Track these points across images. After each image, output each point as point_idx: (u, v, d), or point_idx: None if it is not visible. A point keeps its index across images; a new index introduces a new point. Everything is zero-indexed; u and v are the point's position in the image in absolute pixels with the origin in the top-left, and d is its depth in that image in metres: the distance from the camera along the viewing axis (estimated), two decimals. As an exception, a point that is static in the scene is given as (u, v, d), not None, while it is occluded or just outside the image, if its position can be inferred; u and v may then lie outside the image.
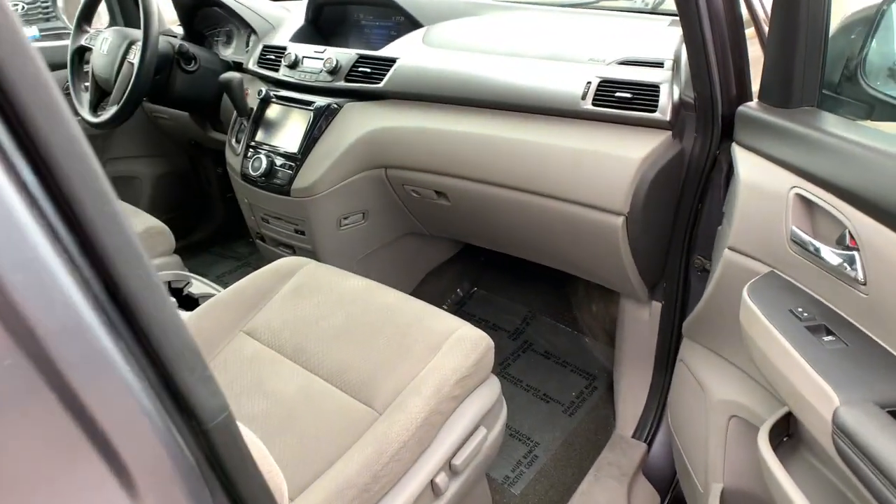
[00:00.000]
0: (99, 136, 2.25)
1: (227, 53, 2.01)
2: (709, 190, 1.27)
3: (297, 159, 1.56)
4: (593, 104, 1.23)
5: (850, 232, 0.75)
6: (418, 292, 2.02)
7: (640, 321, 1.49)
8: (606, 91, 1.22)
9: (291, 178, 1.56)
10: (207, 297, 1.52)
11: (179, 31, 2.14)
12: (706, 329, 1.18)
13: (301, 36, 1.80)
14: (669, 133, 1.19)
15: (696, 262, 1.36)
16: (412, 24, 1.64)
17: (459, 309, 2.10)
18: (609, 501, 1.35)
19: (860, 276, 0.73)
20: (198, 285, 1.63)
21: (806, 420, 0.76)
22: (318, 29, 1.87)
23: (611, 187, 1.19)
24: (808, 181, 0.82)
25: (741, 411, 1.07)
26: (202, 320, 1.22)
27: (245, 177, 1.67)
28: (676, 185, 1.25)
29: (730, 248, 1.00)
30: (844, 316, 0.79)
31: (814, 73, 0.93)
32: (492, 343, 1.12)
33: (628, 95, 1.20)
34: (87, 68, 1.89)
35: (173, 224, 1.80)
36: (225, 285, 1.40)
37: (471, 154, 1.39)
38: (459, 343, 1.09)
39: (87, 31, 1.91)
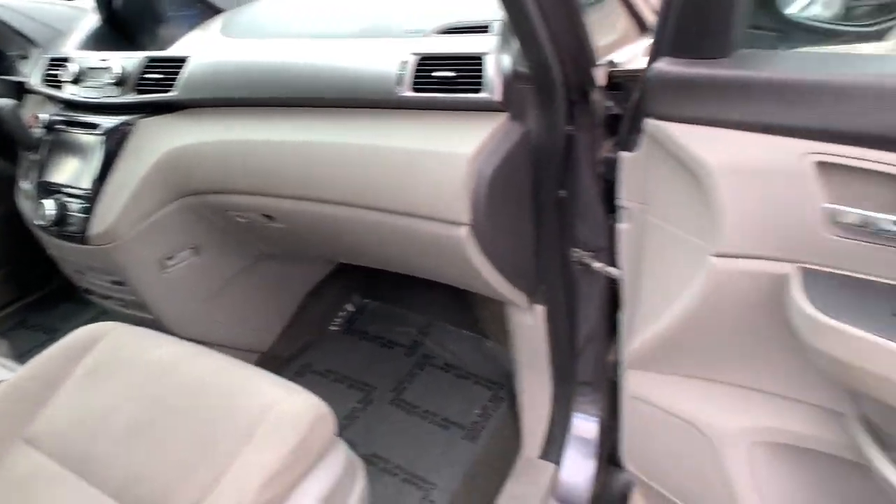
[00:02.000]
0: None
1: (26, 72, 1.68)
2: (575, 174, 1.05)
3: (89, 198, 1.27)
4: (414, 89, 0.98)
5: None
6: (299, 319, 1.76)
7: (527, 327, 1.28)
8: (426, 71, 0.98)
9: (85, 223, 1.27)
10: None
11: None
12: (674, 356, 0.95)
13: (96, 40, 1.49)
14: (506, 115, 0.95)
15: (573, 256, 1.15)
16: (212, 10, 1.35)
17: (350, 327, 1.86)
18: (515, 547, 1.15)
19: None
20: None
21: None
22: (119, 29, 1.55)
23: (442, 193, 0.95)
24: (833, 142, 0.64)
25: (765, 435, 0.88)
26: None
27: (39, 226, 1.37)
28: (528, 176, 1.02)
29: (718, 256, 0.76)
30: None
31: (745, 7, 0.71)
32: (325, 411, 0.89)
33: (451, 74, 0.96)
34: None
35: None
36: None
37: (288, 167, 1.13)
38: (277, 426, 0.85)
39: None
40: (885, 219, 0.61)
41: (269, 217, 1.24)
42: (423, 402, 1.56)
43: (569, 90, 0.96)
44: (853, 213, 0.63)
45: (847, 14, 0.90)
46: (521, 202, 1.05)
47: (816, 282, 0.67)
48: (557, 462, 1.32)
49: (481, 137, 0.93)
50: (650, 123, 0.82)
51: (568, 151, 1.04)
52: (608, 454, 1.41)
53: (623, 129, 0.93)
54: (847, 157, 0.62)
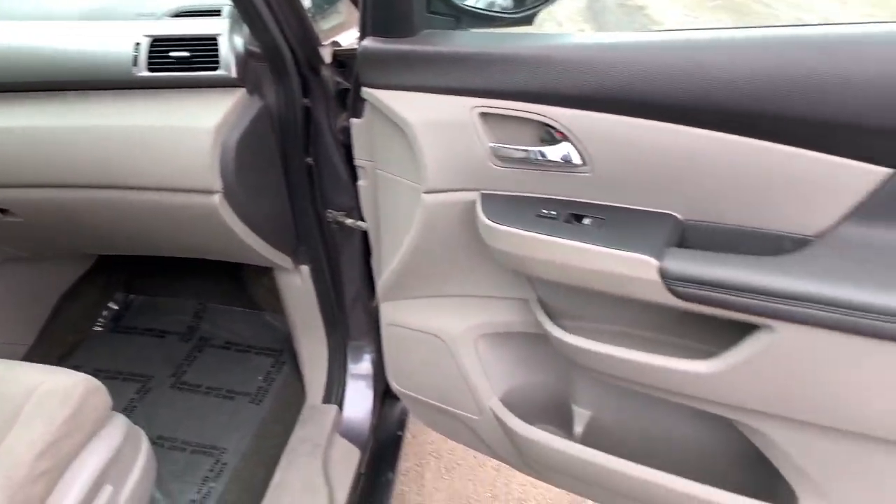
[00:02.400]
0: None
1: None
2: (318, 142, 1.20)
3: None
4: (149, 69, 1.04)
5: (553, 127, 0.82)
6: (53, 325, 1.66)
7: (296, 288, 1.41)
8: (161, 51, 1.04)
9: None
10: None
11: None
12: (411, 283, 1.13)
13: None
14: (244, 90, 1.06)
15: (329, 216, 1.30)
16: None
17: (116, 325, 1.80)
18: (305, 480, 1.28)
19: (578, 159, 0.82)
20: None
21: (630, 291, 0.80)
22: None
23: (191, 165, 1.03)
24: (489, 98, 0.85)
25: (483, 329, 1.10)
26: None
27: None
28: (273, 145, 1.14)
29: (427, 192, 0.95)
30: (577, 199, 0.86)
31: None
32: (96, 385, 0.92)
33: (186, 54, 1.03)
34: None
35: None
36: None
37: (25, 155, 1.10)
38: (44, 403, 0.87)
39: None
40: (525, 150, 0.86)
41: (3, 211, 1.19)
42: (205, 381, 1.60)
43: (300, 67, 1.10)
44: (506, 148, 0.87)
45: (508, 4, 1.18)
46: (271, 169, 1.16)
47: (491, 203, 0.91)
48: (340, 404, 1.48)
49: (223, 111, 1.02)
50: (367, 92, 0.99)
51: (308, 122, 1.18)
52: (385, 389, 1.60)
53: (350, 99, 1.10)
54: (498, 108, 0.86)
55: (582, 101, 0.79)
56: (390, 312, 1.21)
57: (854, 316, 0.66)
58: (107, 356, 1.67)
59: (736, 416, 0.83)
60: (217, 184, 1.04)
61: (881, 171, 0.67)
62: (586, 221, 0.84)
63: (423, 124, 0.92)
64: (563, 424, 1.16)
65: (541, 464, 1.11)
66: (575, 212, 0.86)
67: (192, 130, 1.02)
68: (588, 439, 1.08)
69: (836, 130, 0.67)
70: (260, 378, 1.60)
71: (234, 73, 1.02)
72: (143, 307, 1.85)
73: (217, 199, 1.05)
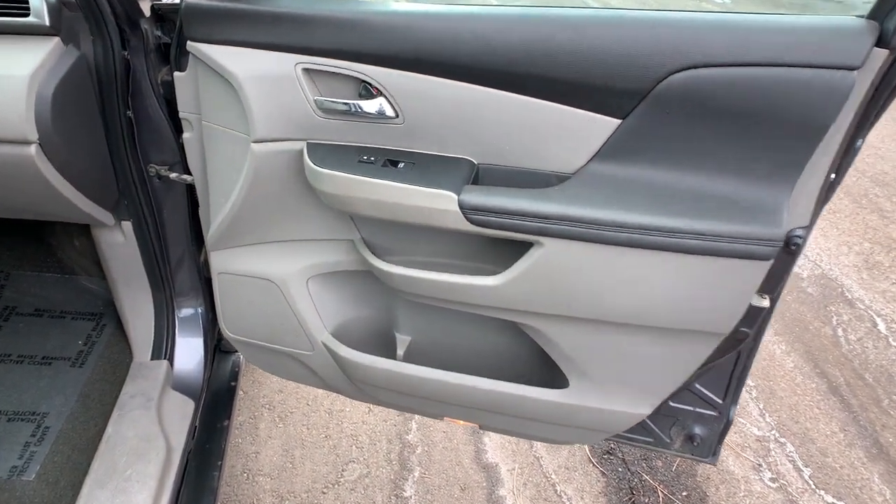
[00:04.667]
0: None
1: None
2: (139, 96, 1.20)
3: None
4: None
5: (370, 84, 0.96)
6: None
7: (118, 245, 1.40)
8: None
9: None
10: None
11: None
12: (242, 230, 1.19)
13: None
14: (57, 39, 1.05)
15: (151, 171, 1.31)
16: None
17: None
18: (139, 433, 1.31)
19: (391, 112, 0.97)
20: None
21: (436, 221, 0.96)
22: None
23: (4, 114, 1.00)
24: (312, 55, 0.97)
25: (313, 270, 1.22)
26: None
27: None
28: (92, 97, 1.14)
29: (256, 142, 1.03)
30: (392, 147, 1.02)
31: None
32: None
33: (-10, -3, 1.00)
34: None
35: None
36: None
37: None
38: None
39: None
40: (346, 103, 0.99)
41: None
42: (15, 350, 1.51)
43: (118, 19, 1.11)
44: (329, 101, 0.99)
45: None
46: (90, 122, 1.16)
47: (317, 150, 1.03)
48: (170, 359, 1.50)
49: (37, 60, 1.01)
50: (192, 46, 1.04)
51: (128, 75, 1.19)
52: (217, 344, 1.65)
53: (173, 52, 1.13)
54: (320, 65, 0.97)
55: (395, 61, 0.94)
56: (221, 261, 1.27)
57: (599, 230, 0.90)
58: None
59: (521, 319, 1.06)
60: (32, 133, 1.03)
61: (613, 122, 0.91)
62: (400, 166, 1.00)
63: (250, 78, 1.00)
64: (388, 352, 1.33)
65: (370, 384, 1.27)
66: (390, 158, 1.01)
67: (5, 78, 0.99)
68: (409, 359, 1.26)
69: (580, 89, 0.89)
70: (80, 342, 1.56)
71: (46, 21, 1.01)
72: (-73, 279, 1.67)
73: (33, 149, 1.04)
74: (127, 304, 1.51)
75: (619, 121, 0.90)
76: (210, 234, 1.23)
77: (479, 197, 0.93)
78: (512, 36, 0.89)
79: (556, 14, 0.89)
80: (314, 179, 1.02)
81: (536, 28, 0.89)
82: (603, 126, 0.91)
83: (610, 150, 0.93)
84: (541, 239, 0.93)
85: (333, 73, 0.98)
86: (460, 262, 1.10)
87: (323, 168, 0.99)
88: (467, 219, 0.93)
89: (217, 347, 1.65)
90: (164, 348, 1.50)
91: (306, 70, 0.98)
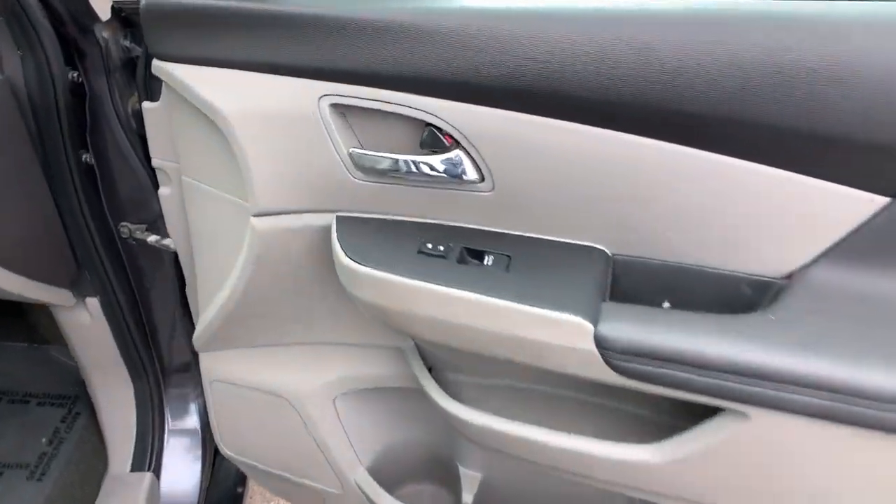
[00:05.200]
0: None
1: None
2: (99, 132, 0.85)
3: None
4: None
5: (439, 128, 0.58)
6: None
7: (84, 326, 1.04)
8: None
9: None
10: None
11: None
12: (241, 329, 0.83)
13: None
14: None
15: (122, 231, 0.96)
16: None
17: None
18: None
19: (474, 173, 0.59)
20: None
21: (556, 364, 0.57)
22: None
23: None
24: (345, 81, 0.59)
25: (342, 386, 0.84)
26: None
27: None
28: (24, 139, 0.78)
29: (258, 215, 0.66)
30: (474, 227, 0.64)
31: None
32: None
33: None
34: None
35: None
36: None
37: None
38: None
39: None
40: (399, 158, 0.60)
41: None
42: (-40, 452, 1.17)
43: (60, 24, 0.75)
44: (370, 156, 0.61)
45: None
46: (22, 174, 0.80)
47: (352, 230, 0.65)
48: (156, 470, 1.14)
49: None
50: (160, 67, 0.68)
51: (83, 104, 0.83)
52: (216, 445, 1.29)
53: (139, 74, 0.77)
54: (359, 97, 0.59)
55: (483, 92, 0.55)
56: (214, 366, 0.90)
57: (839, 401, 0.50)
58: None
59: None
60: (-84, 202, 0.67)
61: (875, 200, 0.51)
62: (488, 261, 0.61)
63: (244, 116, 0.63)
64: (447, 487, 0.94)
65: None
66: (471, 246, 0.63)
67: None
68: None
69: (822, 144, 0.50)
70: (44, 440, 1.20)
71: (-66, 28, 0.65)
72: None
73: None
74: (101, 395, 1.16)
75: (887, 199, 0.50)
76: (198, 332, 0.86)
77: (631, 329, 0.54)
78: (695, 48, 0.50)
79: (787, 11, 0.50)
80: (348, 280, 0.64)
81: (743, 34, 0.49)
82: (853, 205, 0.52)
83: (860, 246, 0.53)
84: (741, 407, 0.53)
85: (379, 110, 0.60)
86: (578, 394, 0.71)
87: (362, 263, 0.61)
88: (611, 366, 0.54)
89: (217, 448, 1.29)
90: (147, 456, 1.14)
91: (336, 106, 0.61)
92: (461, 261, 0.61)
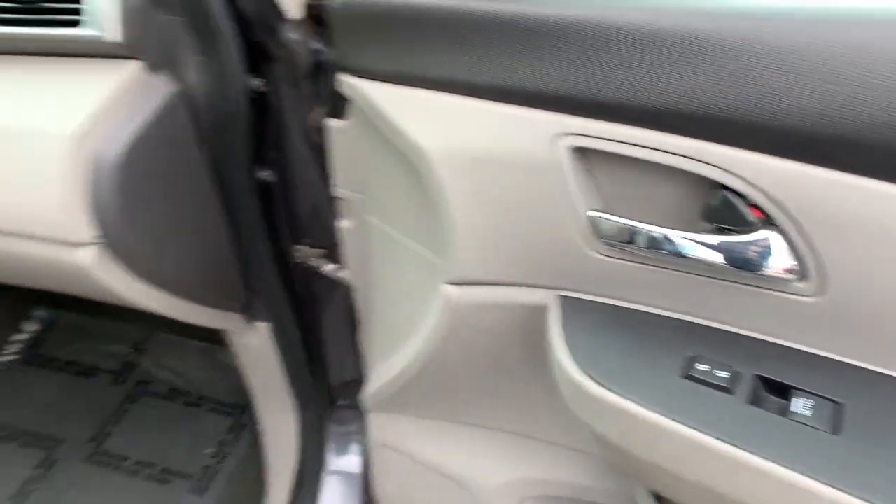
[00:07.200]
0: None
1: None
2: (283, 148, 0.76)
3: None
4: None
5: (739, 194, 0.38)
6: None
7: (253, 349, 0.97)
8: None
9: None
10: None
11: None
12: (422, 396, 0.70)
13: None
14: (138, 64, 0.60)
15: (297, 256, 0.86)
16: None
17: (34, 353, 1.38)
18: None
19: (791, 263, 0.38)
20: None
21: None
22: None
23: (35, 200, 0.58)
24: (595, 116, 0.41)
25: (534, 487, 0.70)
26: None
27: None
28: (200, 155, 0.69)
29: (454, 284, 0.51)
30: (776, 341, 0.42)
31: None
32: None
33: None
34: None
35: None
36: None
37: None
38: None
39: None
40: (671, 232, 0.40)
41: None
42: (133, 451, 1.18)
43: (244, 25, 0.64)
44: (626, 225, 0.42)
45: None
46: (196, 193, 0.71)
47: (579, 318, 0.46)
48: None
49: (94, 103, 0.57)
50: (347, 83, 0.54)
51: (265, 116, 0.73)
52: None
53: (324, 86, 0.64)
54: (616, 138, 0.40)
55: (819, 144, 0.34)
56: (383, 429, 0.77)
57: None
58: (9, 404, 1.25)
59: None
60: (86, 231, 0.59)
61: None
62: (800, 406, 0.39)
63: (450, 154, 0.46)
64: None
65: None
66: (771, 375, 0.41)
67: (35, 138, 0.56)
68: None
69: None
70: (209, 451, 1.18)
71: (114, 35, 0.57)
72: (73, 329, 1.42)
73: (90, 254, 0.61)
74: (266, 418, 1.10)
75: None
76: (371, 391, 0.73)
77: None
78: None
79: None
80: (573, 397, 0.45)
81: None
82: None
83: None
84: None
85: (644, 160, 0.40)
86: None
87: (598, 381, 0.42)
88: None
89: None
90: (307, 490, 1.06)
91: (580, 150, 0.42)
92: (755, 401, 0.39)
